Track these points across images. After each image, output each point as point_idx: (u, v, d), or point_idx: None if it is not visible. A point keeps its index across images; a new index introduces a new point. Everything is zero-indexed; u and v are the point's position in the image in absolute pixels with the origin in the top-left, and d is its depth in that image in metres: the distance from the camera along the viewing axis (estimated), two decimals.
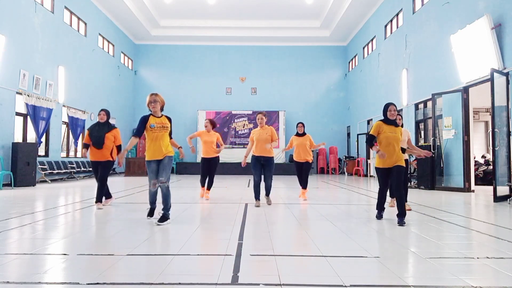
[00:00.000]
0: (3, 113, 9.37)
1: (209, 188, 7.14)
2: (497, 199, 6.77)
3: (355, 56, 18.07)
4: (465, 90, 8.82)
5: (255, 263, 2.85)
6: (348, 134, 18.88)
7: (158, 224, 4.28)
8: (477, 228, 4.35)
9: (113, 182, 11.61)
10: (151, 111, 4.46)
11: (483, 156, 12.65)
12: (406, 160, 5.55)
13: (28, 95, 10.22)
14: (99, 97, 15.07)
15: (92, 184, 10.63)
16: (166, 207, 4.42)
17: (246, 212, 5.39)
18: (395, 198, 5.69)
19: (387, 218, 4.92)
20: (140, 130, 4.38)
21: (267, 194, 6.25)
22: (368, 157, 15.73)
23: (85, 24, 13.99)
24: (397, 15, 13.04)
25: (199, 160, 18.18)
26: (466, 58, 8.57)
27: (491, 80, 6.93)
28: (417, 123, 11.54)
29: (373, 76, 15.29)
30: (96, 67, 14.80)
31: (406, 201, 5.49)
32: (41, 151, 11.33)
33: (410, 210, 5.56)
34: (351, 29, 17.43)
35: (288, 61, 19.37)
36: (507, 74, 7.31)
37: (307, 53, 19.32)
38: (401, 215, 4.42)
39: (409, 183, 10.34)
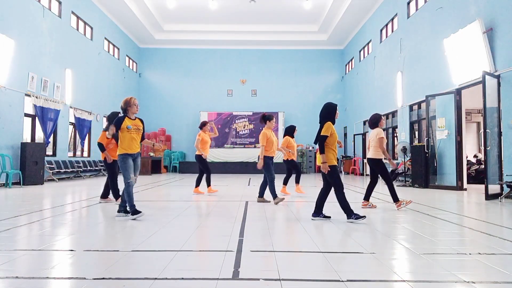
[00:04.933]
0: (13, 114, 9.54)
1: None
2: (489, 197, 6.89)
3: (351, 59, 18.29)
4: (458, 92, 8.92)
5: (255, 259, 2.87)
6: (345, 135, 19.12)
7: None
8: (469, 225, 4.39)
9: (118, 180, 11.80)
10: (127, 112, 4.74)
11: (475, 156, 12.83)
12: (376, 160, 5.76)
13: (37, 97, 10.43)
14: (104, 99, 15.34)
15: (97, 183, 10.79)
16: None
17: (246, 210, 5.47)
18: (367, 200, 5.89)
19: (382, 216, 4.99)
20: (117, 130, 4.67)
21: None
22: (364, 156, 15.98)
23: (91, 28, 14.23)
24: (392, 19, 13.24)
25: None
26: (458, 61, 8.68)
27: (483, 82, 7.03)
28: (412, 124, 11.71)
29: (369, 79, 15.49)
30: (102, 69, 15.05)
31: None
32: (49, 150, 11.52)
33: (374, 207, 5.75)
34: (348, 33, 17.69)
35: (287, 64, 19.65)
36: (498, 77, 7.41)
37: (305, 56, 19.61)
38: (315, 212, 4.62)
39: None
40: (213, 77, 19.62)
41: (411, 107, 11.71)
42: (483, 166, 8.78)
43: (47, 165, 10.81)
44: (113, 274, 2.46)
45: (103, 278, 2.37)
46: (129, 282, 2.33)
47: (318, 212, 4.66)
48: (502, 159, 7.33)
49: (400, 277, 2.45)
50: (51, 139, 11.42)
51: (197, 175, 7.99)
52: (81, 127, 13.18)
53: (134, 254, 2.99)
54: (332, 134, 4.56)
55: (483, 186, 7.16)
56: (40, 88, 10.73)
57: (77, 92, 12.95)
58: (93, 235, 3.83)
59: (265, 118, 6.44)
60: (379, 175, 5.86)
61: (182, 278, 2.39)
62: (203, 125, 7.88)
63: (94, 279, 2.36)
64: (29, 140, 10.55)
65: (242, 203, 6.28)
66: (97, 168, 14.04)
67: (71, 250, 3.11)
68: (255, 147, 18.83)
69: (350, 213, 4.50)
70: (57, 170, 11.25)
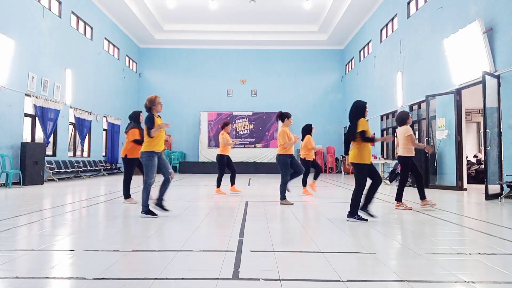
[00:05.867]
0: (13, 114, 9.55)
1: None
2: (489, 197, 6.91)
3: (351, 59, 18.32)
4: (458, 92, 8.93)
5: (255, 259, 2.88)
6: (345, 135, 19.14)
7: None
8: (469, 225, 4.41)
9: (117, 180, 11.77)
10: (152, 111, 4.82)
11: (475, 156, 12.84)
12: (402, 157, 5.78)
13: (37, 97, 10.43)
14: (104, 99, 15.35)
15: (97, 183, 10.83)
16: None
17: (246, 210, 5.50)
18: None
19: (382, 216, 5.00)
20: (151, 129, 4.72)
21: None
22: None
23: (91, 28, 14.25)
24: (392, 19, 13.25)
25: (202, 159, 18.53)
26: (458, 61, 8.69)
27: (483, 82, 7.05)
28: (412, 124, 11.77)
29: (369, 79, 15.52)
30: (102, 70, 15.06)
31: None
32: (49, 150, 11.52)
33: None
34: (348, 33, 17.71)
35: (287, 64, 19.67)
36: (498, 77, 7.42)
37: (305, 56, 19.63)
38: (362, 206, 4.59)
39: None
40: (213, 77, 19.64)
41: (411, 107, 11.72)
42: (483, 166, 8.78)
43: (47, 165, 10.82)
44: (113, 274, 2.46)
45: (103, 278, 2.38)
46: (129, 282, 2.33)
47: (364, 206, 4.60)
48: (502, 159, 7.33)
49: (400, 277, 2.46)
50: (51, 139, 11.43)
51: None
52: (81, 127, 13.19)
53: (134, 254, 3.00)
54: (367, 130, 4.59)
55: (483, 186, 7.18)
56: (40, 88, 10.74)
57: (77, 92, 12.96)
58: (93, 235, 3.84)
59: (283, 116, 6.22)
60: (402, 171, 5.83)
61: (182, 278, 2.40)
62: (225, 125, 7.84)
63: (94, 279, 2.37)
64: (29, 140, 10.55)
65: (242, 203, 6.29)
66: (97, 168, 14.05)
67: (71, 250, 3.11)
68: (255, 147, 18.85)
69: (354, 213, 4.53)
70: (57, 170, 11.27)
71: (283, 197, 6.11)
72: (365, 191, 4.62)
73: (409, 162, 5.75)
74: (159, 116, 4.96)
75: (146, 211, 4.75)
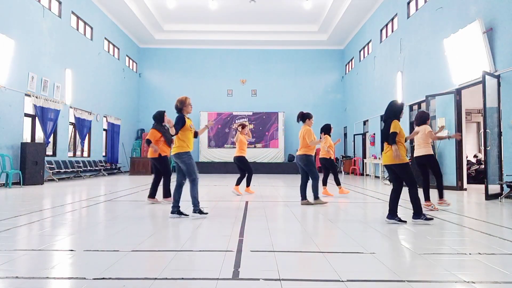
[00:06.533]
0: (13, 114, 9.55)
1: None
2: (489, 197, 6.92)
3: (351, 59, 18.32)
4: (458, 92, 8.94)
5: (255, 259, 2.89)
6: (345, 135, 19.16)
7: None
8: (470, 225, 4.43)
9: (117, 180, 11.79)
10: (182, 111, 4.80)
11: (475, 156, 12.86)
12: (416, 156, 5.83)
13: (37, 97, 10.44)
14: (104, 99, 15.35)
15: (97, 183, 10.84)
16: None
17: (246, 210, 5.50)
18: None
19: (382, 216, 4.98)
20: (179, 129, 4.69)
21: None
22: (364, 156, 16.00)
23: (91, 28, 14.25)
24: (392, 19, 13.26)
25: (202, 159, 18.54)
26: (458, 61, 8.69)
27: (483, 82, 7.05)
28: (412, 124, 11.70)
29: (369, 79, 15.52)
30: (102, 70, 15.06)
31: None
32: (49, 151, 11.52)
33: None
34: (348, 33, 17.71)
35: (287, 64, 19.68)
36: (498, 77, 7.43)
37: (305, 56, 19.64)
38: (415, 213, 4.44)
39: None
40: (213, 77, 19.65)
41: (411, 107, 11.73)
42: (483, 166, 8.78)
43: (47, 165, 10.83)
44: (113, 274, 2.47)
45: (103, 278, 2.39)
46: (129, 282, 2.34)
47: (393, 214, 4.45)
48: (502, 159, 7.33)
49: (400, 277, 2.46)
50: (51, 139, 11.43)
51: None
52: (81, 127, 13.19)
53: (134, 254, 3.00)
54: (400, 131, 4.55)
55: (483, 186, 7.17)
56: (40, 88, 10.74)
57: (77, 92, 12.96)
58: (93, 235, 3.85)
59: (304, 116, 6.14)
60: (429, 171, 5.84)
61: (182, 278, 2.41)
62: (243, 127, 7.88)
63: (94, 279, 2.38)
64: (29, 140, 10.55)
65: (242, 203, 6.29)
66: (97, 168, 14.05)
67: (71, 250, 3.12)
68: (255, 147, 18.84)
69: (419, 213, 4.42)
70: (57, 170, 11.27)
71: (317, 196, 6.07)
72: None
73: (435, 158, 5.81)
74: (188, 117, 4.91)
75: (178, 211, 4.73)
